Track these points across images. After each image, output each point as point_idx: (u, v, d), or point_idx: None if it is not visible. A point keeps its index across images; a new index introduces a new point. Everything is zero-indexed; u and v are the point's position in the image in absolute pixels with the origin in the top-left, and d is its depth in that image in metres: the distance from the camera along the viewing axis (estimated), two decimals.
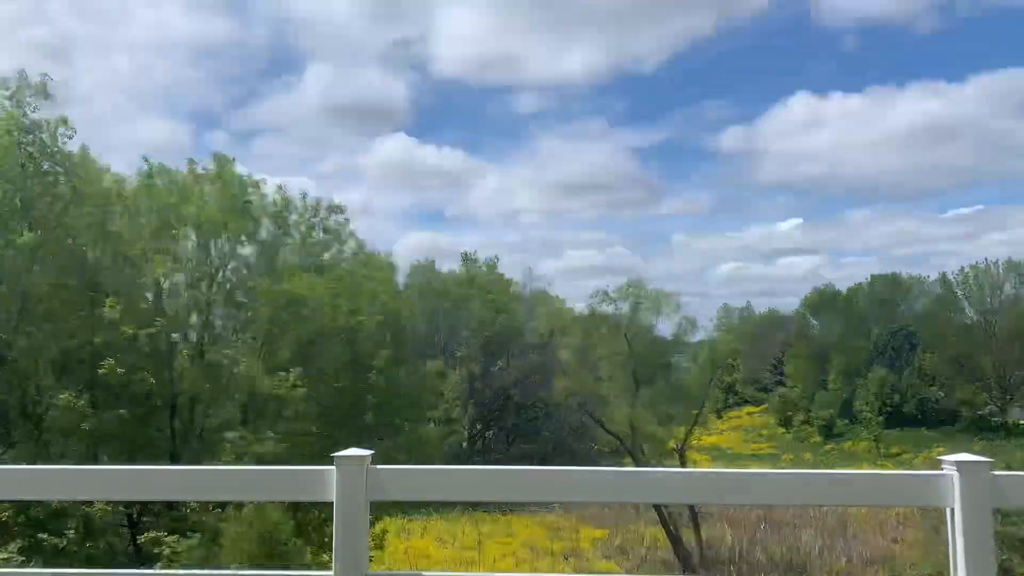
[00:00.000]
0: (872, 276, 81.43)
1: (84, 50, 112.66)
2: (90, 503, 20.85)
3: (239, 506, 20.76)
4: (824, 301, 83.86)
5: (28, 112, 26.45)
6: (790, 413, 75.00)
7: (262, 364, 27.46)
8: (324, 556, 20.66)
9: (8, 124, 25.89)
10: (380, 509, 28.99)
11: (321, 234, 31.29)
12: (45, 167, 27.02)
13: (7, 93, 26.25)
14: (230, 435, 25.39)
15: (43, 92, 26.58)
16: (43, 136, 26.75)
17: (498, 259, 66.80)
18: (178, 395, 26.60)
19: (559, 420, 54.42)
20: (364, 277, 31.54)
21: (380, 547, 27.91)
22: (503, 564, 31.82)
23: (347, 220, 31.88)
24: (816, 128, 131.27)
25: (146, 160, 28.87)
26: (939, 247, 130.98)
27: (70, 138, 27.67)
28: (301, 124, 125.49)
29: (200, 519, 22.70)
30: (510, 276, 66.20)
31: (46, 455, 23.77)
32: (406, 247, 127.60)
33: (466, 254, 66.13)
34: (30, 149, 26.43)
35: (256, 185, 29.97)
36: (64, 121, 27.18)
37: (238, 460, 23.60)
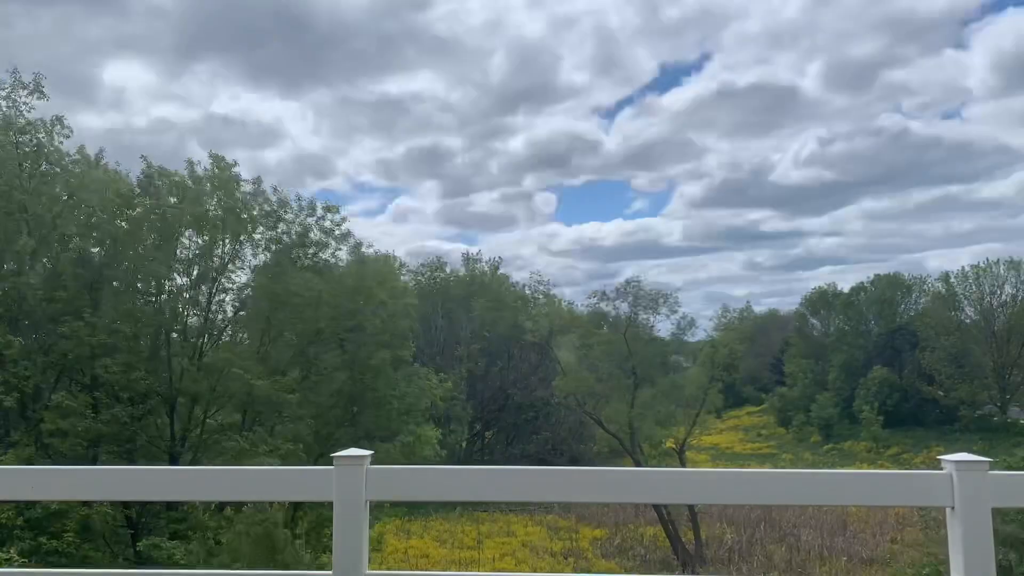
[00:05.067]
0: (873, 276, 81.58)
1: None
2: (89, 504, 20.86)
3: (238, 507, 20.79)
4: (824, 301, 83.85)
5: (24, 112, 26.37)
6: (790, 413, 74.96)
7: (261, 365, 27.45)
8: (324, 556, 20.68)
9: (4, 124, 25.84)
10: (379, 509, 29.03)
11: (318, 234, 31.24)
12: (43, 167, 26.97)
13: (2, 93, 26.19)
14: (229, 444, 25.45)
15: (38, 91, 26.49)
16: (39, 136, 26.68)
17: (501, 260, 66.97)
18: (177, 396, 26.60)
19: (559, 420, 54.42)
20: (363, 277, 31.48)
21: (379, 547, 27.95)
22: (503, 564, 31.82)
23: (343, 219, 31.85)
24: None
25: (144, 159, 28.87)
26: None
27: (67, 137, 27.65)
28: None
29: (199, 520, 22.72)
30: (511, 276, 66.44)
31: (45, 455, 23.77)
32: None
33: (468, 254, 66.28)
34: (27, 149, 26.37)
35: (253, 185, 29.97)
36: (60, 121, 27.11)
37: (237, 461, 23.61)
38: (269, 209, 29.88)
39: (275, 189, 30.48)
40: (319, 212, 31.24)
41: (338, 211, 31.63)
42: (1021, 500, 3.45)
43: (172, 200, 27.89)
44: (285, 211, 30.38)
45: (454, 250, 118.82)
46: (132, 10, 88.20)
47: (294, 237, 30.53)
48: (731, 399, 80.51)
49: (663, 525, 34.91)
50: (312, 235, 31.00)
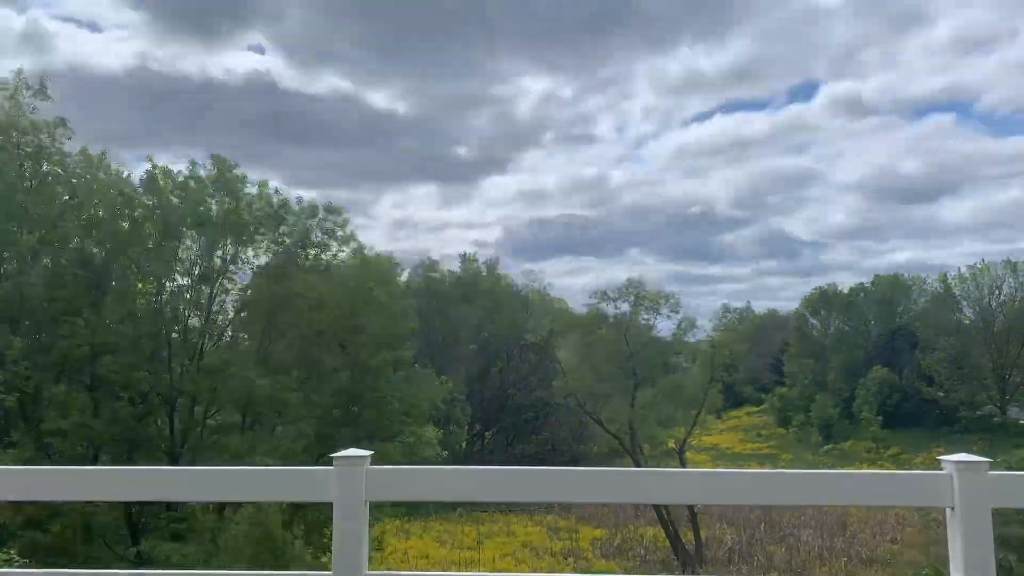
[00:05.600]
0: (873, 276, 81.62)
1: None
2: (90, 504, 20.86)
3: (238, 507, 20.80)
4: (824, 301, 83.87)
5: (27, 113, 26.44)
6: (790, 413, 74.97)
7: (261, 366, 27.46)
8: (324, 557, 20.68)
9: (7, 125, 25.89)
10: (379, 509, 29.01)
11: (319, 235, 31.27)
12: (44, 168, 27.01)
13: (6, 94, 26.23)
14: (228, 445, 25.51)
15: (42, 93, 26.58)
16: (42, 137, 26.73)
17: (498, 259, 67.03)
18: (178, 396, 26.61)
19: (559, 420, 54.40)
20: (363, 278, 31.51)
21: (379, 548, 27.93)
22: (503, 564, 31.83)
23: (345, 221, 31.86)
24: None
25: (150, 160, 28.91)
26: None
27: (69, 139, 27.70)
28: None
29: (199, 520, 22.74)
30: (510, 276, 66.44)
31: (45, 456, 23.76)
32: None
33: (466, 255, 66.30)
34: (28, 150, 26.41)
35: (257, 187, 30.03)
36: (63, 122, 27.17)
37: (237, 461, 23.60)
38: (271, 211, 29.91)
39: (277, 190, 30.56)
40: (321, 214, 31.30)
41: (340, 212, 31.69)
42: (1021, 500, 3.45)
43: (174, 200, 27.94)
44: (287, 212, 30.41)
45: None
46: None
47: (295, 238, 30.58)
48: (731, 399, 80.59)
49: (663, 525, 34.90)
50: (313, 236, 31.02)
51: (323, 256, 31.40)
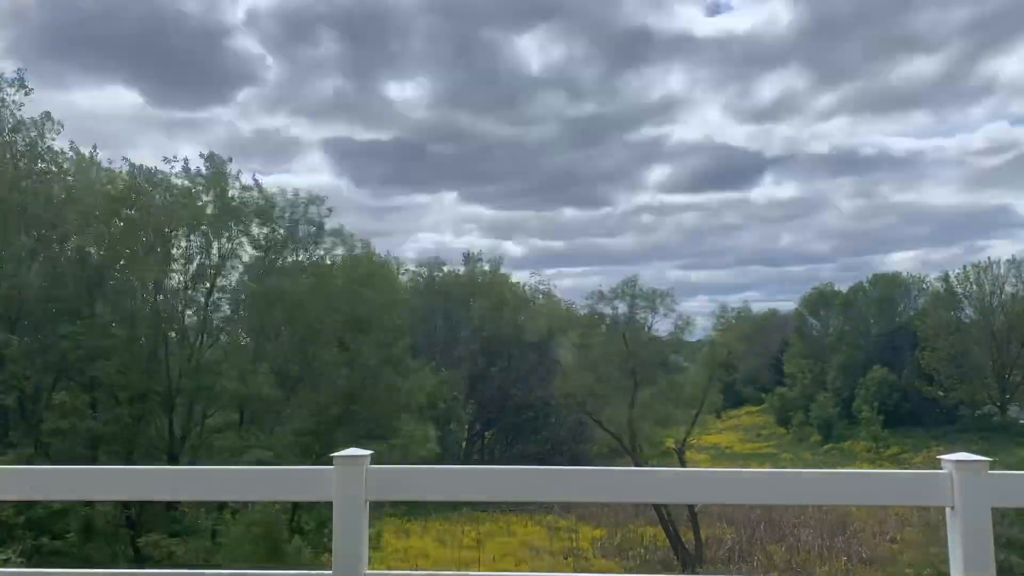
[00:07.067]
0: (872, 275, 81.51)
1: None
2: (90, 503, 20.85)
3: (240, 507, 20.79)
4: (824, 300, 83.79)
5: (13, 111, 26.27)
6: (789, 413, 74.93)
7: (258, 364, 27.44)
8: (324, 556, 20.66)
9: None
10: (379, 509, 29.01)
11: (308, 228, 31.11)
12: (39, 166, 26.89)
13: None
14: (224, 443, 25.49)
15: (22, 87, 26.33)
16: (32, 134, 26.57)
17: (501, 259, 66.93)
18: (176, 395, 26.60)
19: (558, 420, 54.40)
20: (355, 273, 31.46)
21: (379, 547, 27.92)
22: (503, 564, 31.79)
23: (329, 211, 31.72)
24: None
25: (126, 160, 28.85)
26: None
27: (58, 134, 27.53)
28: None
29: (198, 519, 22.76)
30: (511, 276, 66.37)
31: (45, 455, 23.75)
32: None
33: (468, 253, 66.19)
34: (20, 148, 26.29)
35: (247, 186, 29.91)
36: (49, 117, 26.99)
37: (235, 460, 23.60)
38: (260, 206, 29.75)
39: (257, 183, 30.28)
40: (302, 203, 31.05)
41: (323, 201, 31.56)
42: (1021, 500, 3.46)
43: (158, 199, 27.83)
44: (273, 207, 30.24)
45: None
46: None
47: (284, 233, 30.45)
48: (731, 399, 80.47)
49: (663, 525, 34.88)
50: (302, 230, 30.90)
51: (315, 251, 31.36)
